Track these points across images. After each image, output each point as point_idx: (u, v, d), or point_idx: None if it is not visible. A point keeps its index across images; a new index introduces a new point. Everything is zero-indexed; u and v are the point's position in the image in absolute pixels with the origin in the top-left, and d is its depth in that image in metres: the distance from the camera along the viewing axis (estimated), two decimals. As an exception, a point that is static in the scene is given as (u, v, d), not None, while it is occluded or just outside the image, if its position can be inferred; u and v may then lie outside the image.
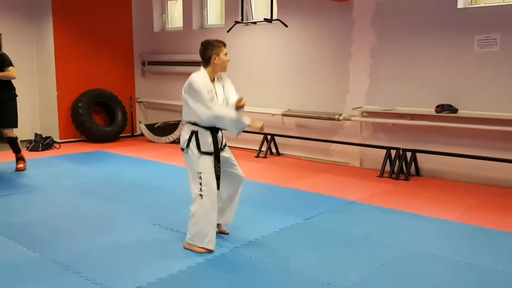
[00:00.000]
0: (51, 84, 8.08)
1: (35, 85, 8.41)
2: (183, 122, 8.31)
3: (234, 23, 7.12)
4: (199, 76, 3.26)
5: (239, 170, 3.53)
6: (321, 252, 3.38)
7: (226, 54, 3.36)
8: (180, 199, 4.67)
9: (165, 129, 8.42)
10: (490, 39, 5.42)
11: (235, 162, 3.52)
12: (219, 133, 3.40)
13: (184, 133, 3.35)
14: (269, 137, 7.37)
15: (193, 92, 3.18)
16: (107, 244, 3.42)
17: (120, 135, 8.69)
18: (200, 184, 3.21)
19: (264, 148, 7.34)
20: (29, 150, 7.34)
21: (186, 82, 3.28)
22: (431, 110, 5.75)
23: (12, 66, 5.46)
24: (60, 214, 4.15)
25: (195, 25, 8.57)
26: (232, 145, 8.19)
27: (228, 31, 7.20)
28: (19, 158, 5.89)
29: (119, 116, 8.54)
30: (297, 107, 7.20)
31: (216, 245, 3.36)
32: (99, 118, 8.55)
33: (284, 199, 4.86)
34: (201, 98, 3.17)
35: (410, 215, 4.29)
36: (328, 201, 4.75)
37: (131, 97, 9.17)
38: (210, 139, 3.28)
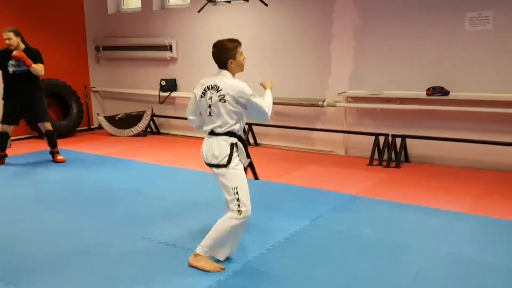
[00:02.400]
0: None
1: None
2: (147, 112, 7.63)
3: (206, 1, 6.48)
4: (238, 80, 2.99)
5: None
6: (342, 262, 2.96)
7: (241, 53, 3.00)
8: (164, 204, 4.12)
9: (128, 121, 7.68)
10: (482, 17, 5.17)
11: None
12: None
13: (220, 147, 2.80)
14: (246, 126, 6.84)
15: (253, 95, 2.87)
16: (94, 268, 2.82)
17: (76, 129, 7.85)
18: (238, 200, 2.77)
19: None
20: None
21: (236, 92, 2.89)
22: (421, 93, 5.47)
23: (43, 63, 5.46)
24: (21, 233, 3.46)
25: (156, 5, 7.81)
26: (198, 136, 7.62)
27: (198, 11, 6.58)
28: (56, 152, 5.84)
29: (74, 108, 7.70)
30: (275, 94, 6.67)
31: (223, 261, 2.88)
32: (52, 111, 7.63)
33: (281, 196, 4.40)
34: (258, 97, 2.92)
35: (420, 208, 3.97)
36: (329, 196, 4.34)
37: (85, 87, 8.31)
38: (244, 150, 2.92)
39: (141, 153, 6.44)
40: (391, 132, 5.71)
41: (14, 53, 5.15)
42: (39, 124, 5.76)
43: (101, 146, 6.89)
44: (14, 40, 5.29)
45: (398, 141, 5.64)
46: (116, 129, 7.68)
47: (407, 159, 5.74)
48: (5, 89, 5.52)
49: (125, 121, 7.69)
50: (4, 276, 2.72)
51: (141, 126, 7.61)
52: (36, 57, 5.38)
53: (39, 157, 6.07)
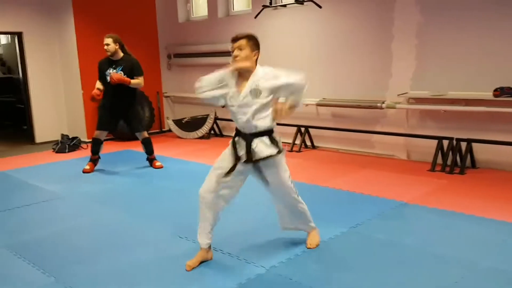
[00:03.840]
0: (75, 83, 7.79)
1: (61, 85, 8.17)
2: (211, 116, 7.89)
3: (262, 7, 6.56)
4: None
5: None
6: (374, 272, 2.85)
7: (232, 50, 2.86)
8: None
9: (193, 124, 8.02)
10: (559, 9, 4.67)
11: None
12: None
13: (276, 135, 2.96)
14: (302, 129, 6.83)
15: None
16: (131, 264, 3.01)
17: (148, 132, 8.33)
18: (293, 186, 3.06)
19: (298, 141, 6.80)
20: (56, 152, 7.10)
21: (272, 73, 2.86)
22: (488, 94, 5.06)
23: (142, 74, 5.49)
24: (78, 227, 3.78)
25: (221, 12, 8.06)
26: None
27: (255, 17, 6.67)
28: (153, 159, 5.89)
29: (146, 113, 8.19)
30: (333, 96, 6.61)
31: (250, 263, 2.93)
32: (125, 115, 8.23)
33: (324, 201, 4.33)
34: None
35: (473, 218, 3.69)
36: (376, 203, 4.19)
37: (157, 92, 8.81)
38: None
39: (203, 154, 6.69)
40: (455, 135, 5.36)
41: (112, 79, 5.23)
42: (136, 134, 5.81)
43: (168, 148, 7.25)
44: (112, 46, 5.32)
45: (463, 145, 5.27)
46: (183, 131, 8.05)
47: (473, 165, 5.34)
48: (103, 99, 5.58)
49: (191, 124, 8.02)
50: (47, 267, 2.98)
51: (205, 129, 7.90)
52: (134, 68, 5.39)
53: (113, 158, 6.55)
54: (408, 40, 5.79)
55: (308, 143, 6.90)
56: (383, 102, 5.94)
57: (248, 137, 2.85)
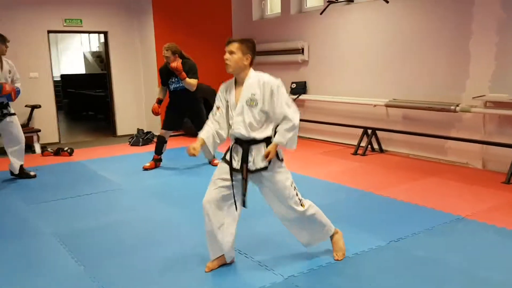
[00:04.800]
0: (153, 80, 8.21)
1: (141, 82, 8.65)
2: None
3: (327, 3, 6.35)
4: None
5: None
6: (401, 292, 2.61)
7: (225, 53, 2.74)
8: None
9: (261, 122, 8.01)
10: None
11: None
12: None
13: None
14: (369, 131, 6.50)
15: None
16: (158, 261, 3.08)
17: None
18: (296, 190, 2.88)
19: (363, 144, 6.49)
20: (131, 145, 7.56)
21: (269, 87, 2.77)
22: None
23: (197, 78, 5.64)
24: (127, 220, 3.95)
25: (293, 9, 7.95)
26: (327, 140, 7.54)
27: (321, 13, 6.48)
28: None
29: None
30: (404, 97, 6.20)
31: (269, 270, 2.85)
32: (199, 112, 8.50)
33: (372, 210, 4.08)
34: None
35: (540, 242, 3.22)
36: (429, 215, 3.85)
37: (229, 90, 8.96)
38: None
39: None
40: (539, 144, 4.74)
41: (172, 64, 5.39)
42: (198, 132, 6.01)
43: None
44: (171, 58, 5.53)
45: (548, 156, 4.64)
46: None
47: (560, 179, 4.68)
48: (169, 102, 5.90)
49: (259, 123, 8.03)
50: (82, 257, 3.16)
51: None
52: (189, 70, 5.53)
53: (181, 153, 6.78)
54: (487, 38, 5.23)
55: (376, 146, 6.55)
56: (457, 105, 5.44)
57: (245, 145, 2.74)
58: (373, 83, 6.63)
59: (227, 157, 2.81)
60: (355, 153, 6.43)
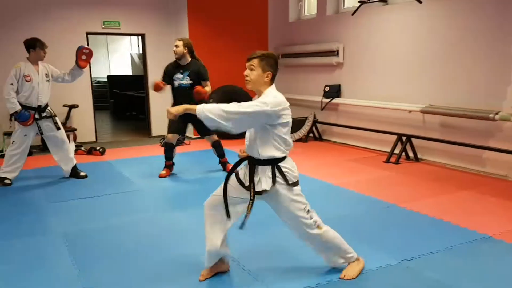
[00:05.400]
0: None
1: (176, 83, 8.71)
2: (309, 118, 7.65)
3: (358, 3, 6.08)
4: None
5: None
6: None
7: (247, 68, 2.61)
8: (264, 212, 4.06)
9: (292, 126, 7.83)
10: None
11: None
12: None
13: (286, 165, 2.66)
14: (404, 138, 6.15)
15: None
16: (154, 267, 3.02)
17: (249, 132, 8.45)
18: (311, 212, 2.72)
19: (397, 151, 6.16)
20: (161, 146, 7.60)
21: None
22: None
23: (209, 79, 5.40)
24: (135, 223, 3.93)
25: (330, 10, 7.71)
26: (360, 146, 7.24)
27: (353, 14, 6.22)
28: (226, 162, 5.77)
29: (247, 113, 8.27)
30: (441, 102, 5.81)
31: (262, 285, 2.70)
32: (230, 114, 8.45)
33: (390, 224, 3.81)
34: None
35: None
36: (452, 233, 3.54)
37: (263, 92, 8.83)
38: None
39: (293, 158, 6.48)
40: None
41: (196, 92, 5.05)
42: (205, 138, 5.70)
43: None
44: (180, 49, 5.23)
45: None
46: (282, 133, 7.94)
47: None
48: (173, 102, 5.50)
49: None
50: (80, 259, 3.14)
51: (302, 131, 7.67)
52: (200, 73, 5.31)
53: (205, 156, 6.78)
54: (533, 39, 4.78)
55: (411, 154, 6.19)
56: (496, 113, 5.02)
57: (252, 164, 2.63)
58: (409, 87, 6.28)
59: (240, 172, 2.70)
60: (388, 161, 6.10)
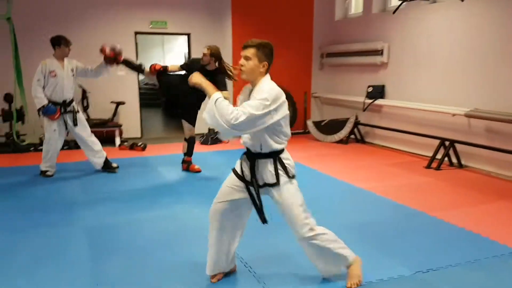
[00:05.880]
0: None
1: (218, 82, 8.82)
2: (351, 120, 7.46)
3: (400, 1, 5.82)
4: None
5: None
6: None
7: (241, 58, 2.55)
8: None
9: (332, 127, 7.69)
10: None
11: None
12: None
13: (287, 159, 2.62)
14: (447, 143, 5.83)
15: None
16: (168, 264, 3.08)
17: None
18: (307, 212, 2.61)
19: (439, 156, 5.84)
20: (201, 143, 7.76)
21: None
22: None
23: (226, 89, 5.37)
24: (156, 218, 3.98)
25: (376, 7, 7.46)
26: (402, 149, 6.96)
27: (394, 12, 5.97)
28: (189, 162, 5.86)
29: (289, 113, 8.19)
30: (488, 106, 5.45)
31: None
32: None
33: (413, 233, 3.61)
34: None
35: None
36: (479, 245, 3.31)
37: (305, 92, 8.73)
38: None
39: (330, 160, 6.37)
40: None
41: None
42: (187, 127, 5.86)
43: (297, 149, 7.10)
44: (207, 58, 5.32)
45: None
46: (321, 134, 7.81)
47: None
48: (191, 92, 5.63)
49: (330, 127, 7.71)
50: (96, 252, 3.25)
51: (343, 132, 7.49)
52: (217, 83, 5.33)
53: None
54: None
55: (454, 160, 5.86)
56: (547, 118, 4.62)
57: (252, 157, 2.59)
58: (453, 89, 5.94)
59: (237, 168, 2.68)
60: (428, 167, 5.81)
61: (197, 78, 2.54)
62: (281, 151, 2.57)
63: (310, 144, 7.61)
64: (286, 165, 2.56)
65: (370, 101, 7.22)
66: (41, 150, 5.63)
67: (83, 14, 7.74)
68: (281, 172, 2.54)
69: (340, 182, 5.20)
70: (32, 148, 6.85)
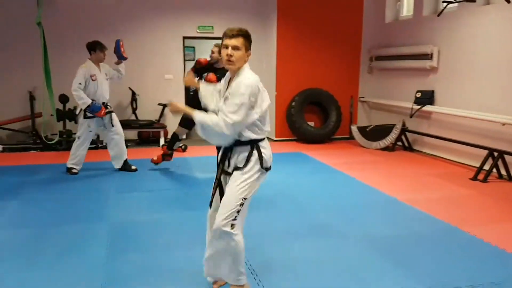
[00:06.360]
0: (271, 85, 8.31)
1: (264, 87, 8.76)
2: (397, 126, 7.17)
3: (444, 3, 5.50)
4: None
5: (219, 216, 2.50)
6: None
7: (226, 46, 2.46)
8: (305, 221, 3.91)
9: (378, 133, 7.41)
10: None
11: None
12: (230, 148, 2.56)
13: (264, 148, 2.57)
14: (496, 153, 5.42)
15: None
16: (183, 263, 3.12)
17: (333, 137, 8.19)
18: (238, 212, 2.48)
19: (487, 167, 5.44)
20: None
21: (243, 84, 2.50)
22: None
23: None
24: (178, 219, 4.08)
25: (427, 10, 7.11)
26: (448, 158, 6.56)
27: (438, 15, 5.63)
28: (166, 155, 5.94)
29: (333, 117, 8.02)
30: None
31: None
32: (314, 118, 8.29)
33: (438, 250, 3.38)
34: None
35: None
36: (508, 265, 3.04)
37: (351, 97, 8.48)
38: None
39: (366, 167, 6.15)
40: None
41: (208, 76, 5.21)
42: (180, 128, 5.83)
43: (338, 155, 6.95)
44: (216, 55, 5.37)
45: None
46: (366, 140, 7.55)
47: None
48: (193, 96, 5.50)
49: (375, 133, 7.44)
50: (114, 248, 3.35)
51: (389, 139, 7.19)
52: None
53: (285, 158, 6.72)
54: None
55: (504, 172, 5.43)
56: None
57: (229, 145, 2.53)
58: (502, 97, 5.52)
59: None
60: (474, 178, 5.43)
61: (174, 107, 2.59)
62: (261, 139, 2.52)
63: (352, 151, 7.39)
64: (263, 154, 2.50)
65: (418, 107, 6.88)
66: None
67: (134, 21, 8.02)
68: (253, 159, 2.48)
69: (374, 191, 5.00)
70: (59, 146, 7.18)
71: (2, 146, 7.14)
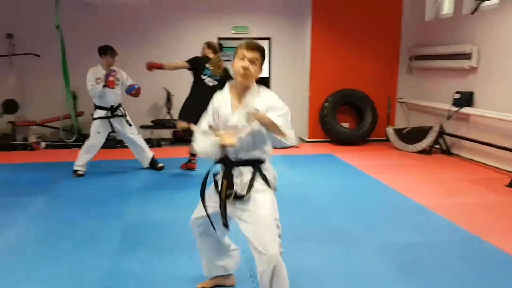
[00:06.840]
0: (305, 86, 8.20)
1: (297, 87, 8.64)
2: (435, 128, 6.86)
3: (477, 2, 5.16)
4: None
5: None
6: None
7: (243, 58, 2.29)
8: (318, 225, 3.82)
9: (414, 135, 7.12)
10: None
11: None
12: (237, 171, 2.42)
13: (268, 169, 2.47)
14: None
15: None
16: (189, 267, 3.15)
17: (368, 139, 7.95)
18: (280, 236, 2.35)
19: (526, 174, 5.09)
20: (273, 147, 7.74)
21: (271, 101, 2.40)
22: None
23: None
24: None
25: (467, 7, 6.73)
26: (486, 163, 6.21)
27: (472, 13, 5.31)
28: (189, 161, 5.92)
29: (368, 118, 7.79)
30: None
31: None
32: (349, 119, 8.09)
33: (449, 259, 3.21)
34: None
35: None
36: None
37: (389, 97, 8.19)
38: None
39: (397, 171, 5.94)
40: None
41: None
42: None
43: (371, 158, 6.75)
44: (207, 52, 5.44)
45: None
46: (402, 143, 7.27)
47: None
48: (192, 91, 5.48)
49: (412, 136, 7.15)
50: (125, 247, 3.44)
51: (425, 142, 6.88)
52: (226, 76, 5.38)
53: (314, 160, 6.65)
54: None
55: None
56: None
57: (229, 164, 2.41)
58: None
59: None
60: (510, 185, 5.09)
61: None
62: (263, 161, 2.43)
63: (387, 153, 7.15)
64: (270, 177, 2.41)
65: (456, 109, 6.55)
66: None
67: (169, 22, 8.18)
68: (260, 180, 2.38)
69: (400, 196, 4.82)
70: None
71: (45, 143, 7.54)
